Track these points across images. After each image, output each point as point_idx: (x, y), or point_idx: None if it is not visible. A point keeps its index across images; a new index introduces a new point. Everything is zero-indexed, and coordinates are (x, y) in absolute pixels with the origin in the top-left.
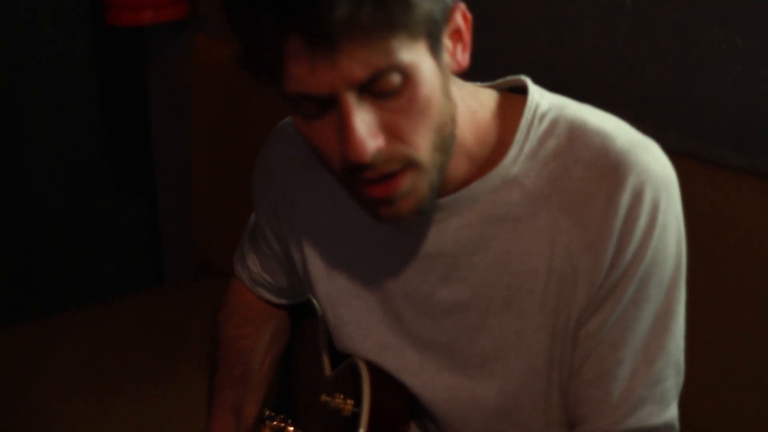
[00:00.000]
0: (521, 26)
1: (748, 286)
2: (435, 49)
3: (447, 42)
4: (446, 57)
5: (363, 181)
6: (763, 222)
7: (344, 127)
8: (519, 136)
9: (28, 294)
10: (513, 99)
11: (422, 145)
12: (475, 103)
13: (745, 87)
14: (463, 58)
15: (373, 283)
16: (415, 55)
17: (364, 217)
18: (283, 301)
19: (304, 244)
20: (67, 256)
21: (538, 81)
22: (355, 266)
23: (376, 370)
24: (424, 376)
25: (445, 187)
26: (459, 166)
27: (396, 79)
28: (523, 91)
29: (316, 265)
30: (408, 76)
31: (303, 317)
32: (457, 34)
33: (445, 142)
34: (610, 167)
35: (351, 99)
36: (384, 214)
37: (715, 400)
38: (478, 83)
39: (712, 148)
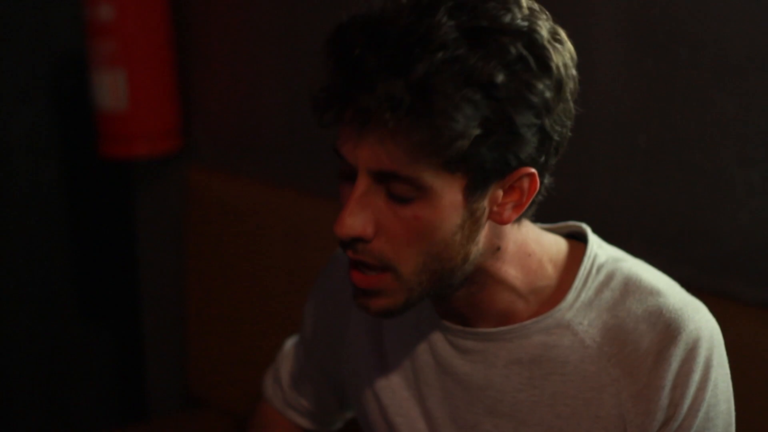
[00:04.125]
0: None
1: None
2: (472, 191)
3: (497, 192)
4: (487, 204)
5: (348, 260)
6: None
7: (346, 200)
8: (577, 283)
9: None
10: (573, 246)
11: (407, 261)
12: (534, 246)
13: (761, 223)
14: (510, 215)
15: (423, 405)
16: (442, 184)
17: (421, 339)
18: (312, 427)
19: (359, 362)
20: (45, 388)
21: (554, 217)
22: (407, 386)
23: None
24: None
25: (487, 318)
26: (501, 299)
27: (408, 191)
28: (582, 237)
29: (369, 381)
30: (423, 196)
31: None
32: (514, 193)
33: (443, 272)
34: (664, 324)
35: (363, 180)
36: (358, 302)
37: None
38: (539, 224)
39: (727, 282)
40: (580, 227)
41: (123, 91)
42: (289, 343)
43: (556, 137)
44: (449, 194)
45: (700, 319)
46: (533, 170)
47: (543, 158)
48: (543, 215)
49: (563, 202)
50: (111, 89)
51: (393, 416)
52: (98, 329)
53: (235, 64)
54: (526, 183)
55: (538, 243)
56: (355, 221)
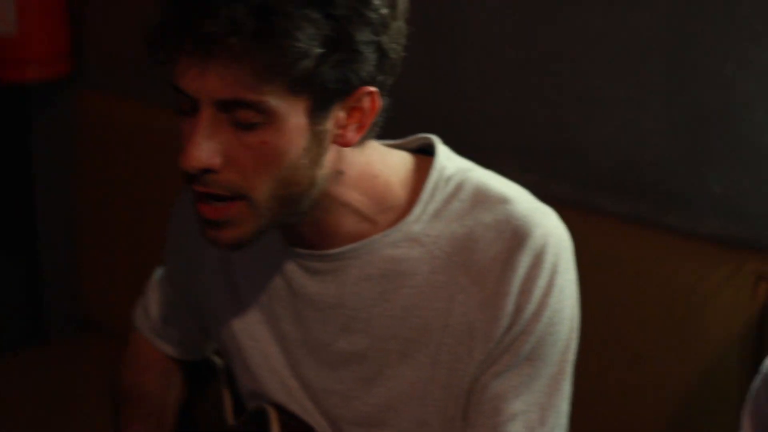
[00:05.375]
0: (410, 80)
1: (630, 330)
2: (316, 113)
3: (340, 114)
4: (331, 126)
5: (195, 195)
6: (644, 267)
7: (190, 133)
8: (424, 196)
9: None
10: (421, 161)
11: (258, 187)
12: (380, 167)
13: (627, 136)
14: (353, 137)
15: (275, 329)
16: (286, 108)
17: (272, 265)
18: (180, 355)
19: (213, 290)
20: None
21: (424, 132)
22: (260, 311)
23: (285, 413)
24: (318, 422)
25: (334, 239)
26: (345, 222)
27: (254, 117)
28: (432, 150)
29: (223, 310)
30: (268, 121)
31: (200, 377)
32: (357, 113)
33: (292, 198)
34: (511, 230)
35: (207, 112)
36: (207, 235)
37: None
38: (389, 141)
39: (595, 196)
40: (429, 139)
41: (11, 14)
42: (158, 273)
43: (392, 55)
44: (294, 117)
45: (547, 225)
46: (373, 89)
47: (381, 77)
48: (414, 130)
49: (434, 118)
50: None
51: (244, 341)
52: None
53: None
54: (367, 102)
55: (384, 163)
56: (201, 153)
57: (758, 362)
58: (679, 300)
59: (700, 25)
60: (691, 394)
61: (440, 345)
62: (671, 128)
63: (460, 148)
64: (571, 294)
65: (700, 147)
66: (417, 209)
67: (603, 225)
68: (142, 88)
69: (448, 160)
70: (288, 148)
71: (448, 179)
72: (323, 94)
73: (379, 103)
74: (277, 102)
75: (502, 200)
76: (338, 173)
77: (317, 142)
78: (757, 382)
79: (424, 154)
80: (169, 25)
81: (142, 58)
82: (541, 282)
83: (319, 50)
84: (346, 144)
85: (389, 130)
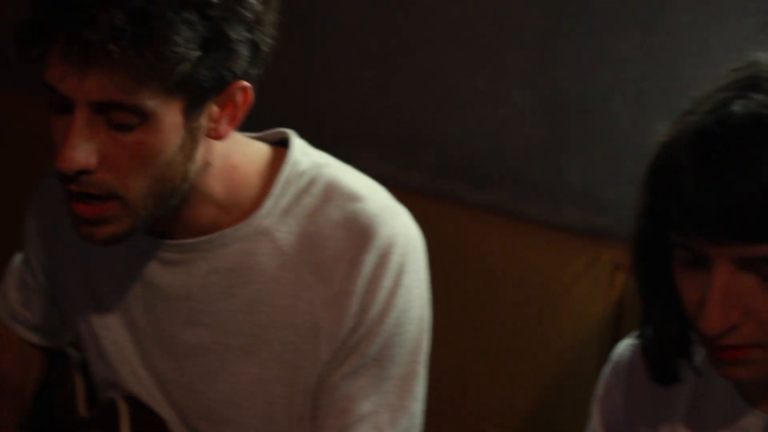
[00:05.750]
0: (271, 69)
1: (488, 320)
2: (191, 110)
3: (213, 108)
4: (204, 121)
5: (69, 193)
6: (503, 257)
7: (65, 134)
8: (275, 190)
9: None
10: (278, 154)
11: (134, 187)
12: (240, 158)
13: (485, 126)
14: (226, 129)
15: (127, 317)
16: (163, 108)
17: (127, 254)
18: (38, 341)
19: (69, 275)
20: None
21: (287, 125)
22: (113, 300)
23: (136, 405)
24: (167, 413)
25: (189, 230)
26: (204, 213)
27: (130, 118)
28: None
29: (78, 296)
30: (145, 121)
31: (56, 367)
32: (229, 106)
33: (165, 193)
34: (359, 229)
35: (83, 113)
36: (81, 232)
37: None
38: (250, 134)
39: (454, 186)
40: (286, 134)
41: None
42: (18, 258)
43: (264, 48)
44: (170, 117)
45: (396, 225)
46: (246, 84)
47: (253, 70)
48: (275, 119)
49: (295, 108)
50: None
51: (98, 330)
52: None
53: None
54: (239, 96)
55: (244, 154)
56: (77, 154)
57: None
58: (537, 290)
59: (558, 15)
60: (548, 383)
61: (285, 343)
62: (530, 118)
63: (321, 137)
64: (420, 294)
65: (558, 137)
66: (268, 203)
67: (461, 215)
68: (8, 77)
69: (303, 155)
70: (163, 147)
71: (302, 174)
72: (199, 93)
73: (252, 96)
74: (153, 103)
75: (353, 198)
76: (206, 165)
77: (192, 137)
78: (607, 369)
79: (284, 146)
80: (42, 25)
81: (9, 52)
82: (387, 282)
83: (197, 53)
84: (218, 137)
85: (248, 119)
